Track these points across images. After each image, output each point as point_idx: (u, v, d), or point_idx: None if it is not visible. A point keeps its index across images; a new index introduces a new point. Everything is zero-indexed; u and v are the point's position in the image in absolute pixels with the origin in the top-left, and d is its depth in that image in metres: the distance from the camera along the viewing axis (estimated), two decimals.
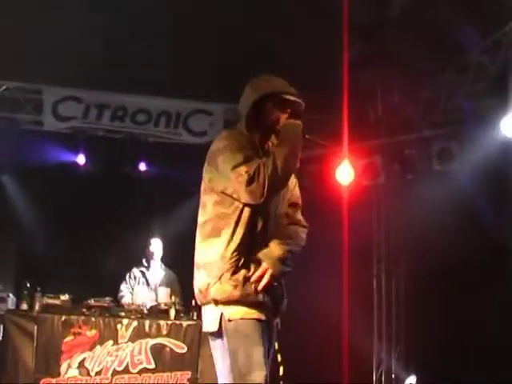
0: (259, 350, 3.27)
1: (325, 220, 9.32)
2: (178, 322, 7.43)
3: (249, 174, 3.24)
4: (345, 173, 9.39)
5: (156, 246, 8.40)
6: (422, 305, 11.10)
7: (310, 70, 8.30)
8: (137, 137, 9.67)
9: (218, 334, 3.38)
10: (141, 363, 7.25)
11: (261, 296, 3.35)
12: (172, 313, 7.46)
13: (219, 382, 3.48)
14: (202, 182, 3.51)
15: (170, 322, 7.41)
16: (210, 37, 8.22)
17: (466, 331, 12.15)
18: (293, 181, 3.66)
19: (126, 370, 7.21)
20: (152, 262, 8.34)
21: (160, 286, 8.11)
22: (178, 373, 7.31)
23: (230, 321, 3.32)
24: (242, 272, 3.32)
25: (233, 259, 3.31)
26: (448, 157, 9.29)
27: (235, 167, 3.28)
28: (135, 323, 7.31)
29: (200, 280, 3.42)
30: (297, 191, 3.73)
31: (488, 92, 8.30)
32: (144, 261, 8.35)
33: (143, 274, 8.27)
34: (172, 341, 7.37)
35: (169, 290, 7.84)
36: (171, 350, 7.35)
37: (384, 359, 10.09)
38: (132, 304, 7.61)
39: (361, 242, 9.81)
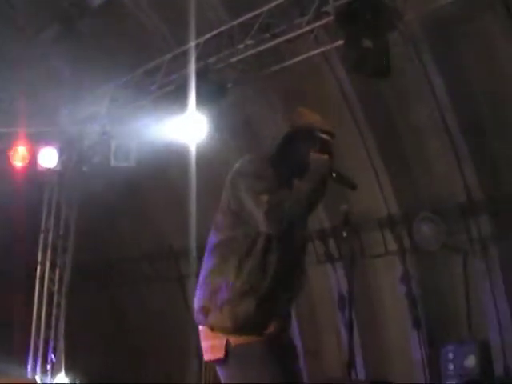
0: (270, 372, 3.16)
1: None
2: None
3: (270, 203, 3.17)
4: (20, 155, 9.25)
5: None
6: (86, 296, 11.15)
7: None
8: None
9: (224, 360, 3.18)
10: None
11: (270, 325, 3.22)
12: None
13: None
14: (221, 201, 3.39)
15: None
16: None
17: (126, 325, 12.33)
18: None
19: None
20: None
21: None
22: None
23: (236, 346, 3.16)
24: (250, 301, 3.18)
25: (238, 289, 3.19)
26: (125, 154, 9.31)
27: (258, 194, 3.21)
28: None
29: (202, 299, 3.27)
30: None
31: (172, 95, 8.38)
32: None
33: None
34: None
35: None
36: None
37: (40, 350, 9.75)
38: None
39: (28, 228, 9.69)
